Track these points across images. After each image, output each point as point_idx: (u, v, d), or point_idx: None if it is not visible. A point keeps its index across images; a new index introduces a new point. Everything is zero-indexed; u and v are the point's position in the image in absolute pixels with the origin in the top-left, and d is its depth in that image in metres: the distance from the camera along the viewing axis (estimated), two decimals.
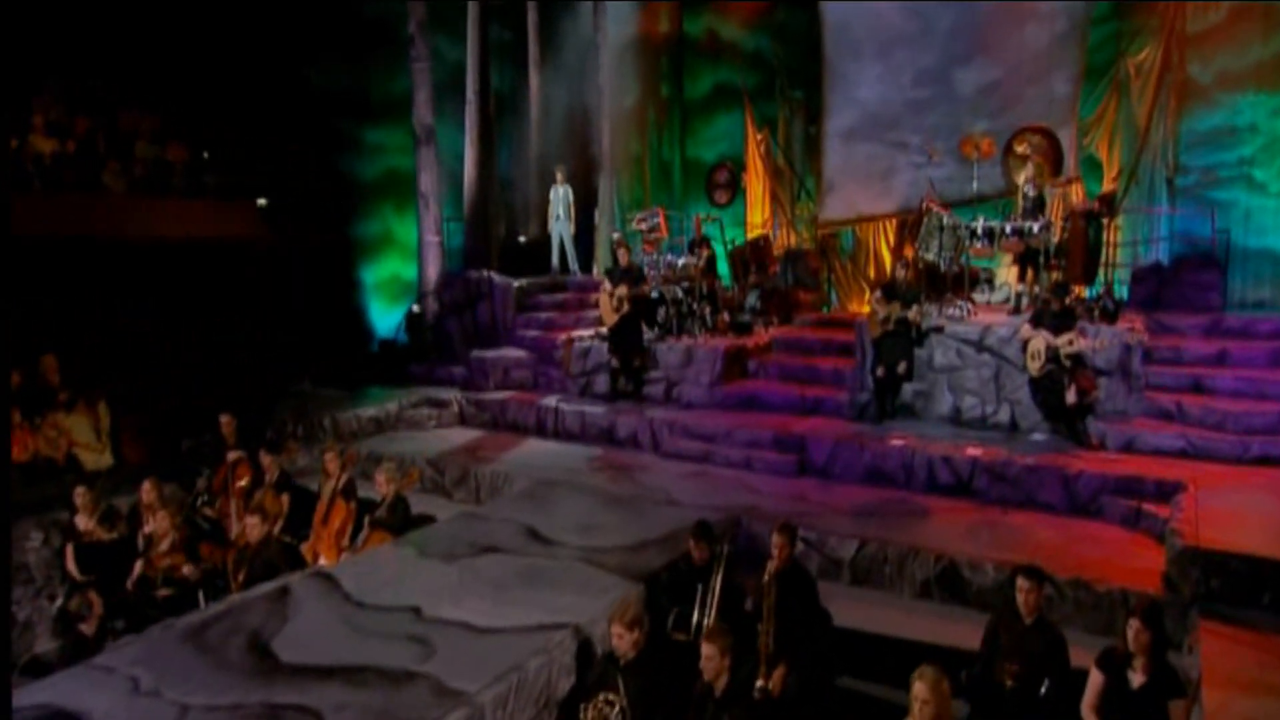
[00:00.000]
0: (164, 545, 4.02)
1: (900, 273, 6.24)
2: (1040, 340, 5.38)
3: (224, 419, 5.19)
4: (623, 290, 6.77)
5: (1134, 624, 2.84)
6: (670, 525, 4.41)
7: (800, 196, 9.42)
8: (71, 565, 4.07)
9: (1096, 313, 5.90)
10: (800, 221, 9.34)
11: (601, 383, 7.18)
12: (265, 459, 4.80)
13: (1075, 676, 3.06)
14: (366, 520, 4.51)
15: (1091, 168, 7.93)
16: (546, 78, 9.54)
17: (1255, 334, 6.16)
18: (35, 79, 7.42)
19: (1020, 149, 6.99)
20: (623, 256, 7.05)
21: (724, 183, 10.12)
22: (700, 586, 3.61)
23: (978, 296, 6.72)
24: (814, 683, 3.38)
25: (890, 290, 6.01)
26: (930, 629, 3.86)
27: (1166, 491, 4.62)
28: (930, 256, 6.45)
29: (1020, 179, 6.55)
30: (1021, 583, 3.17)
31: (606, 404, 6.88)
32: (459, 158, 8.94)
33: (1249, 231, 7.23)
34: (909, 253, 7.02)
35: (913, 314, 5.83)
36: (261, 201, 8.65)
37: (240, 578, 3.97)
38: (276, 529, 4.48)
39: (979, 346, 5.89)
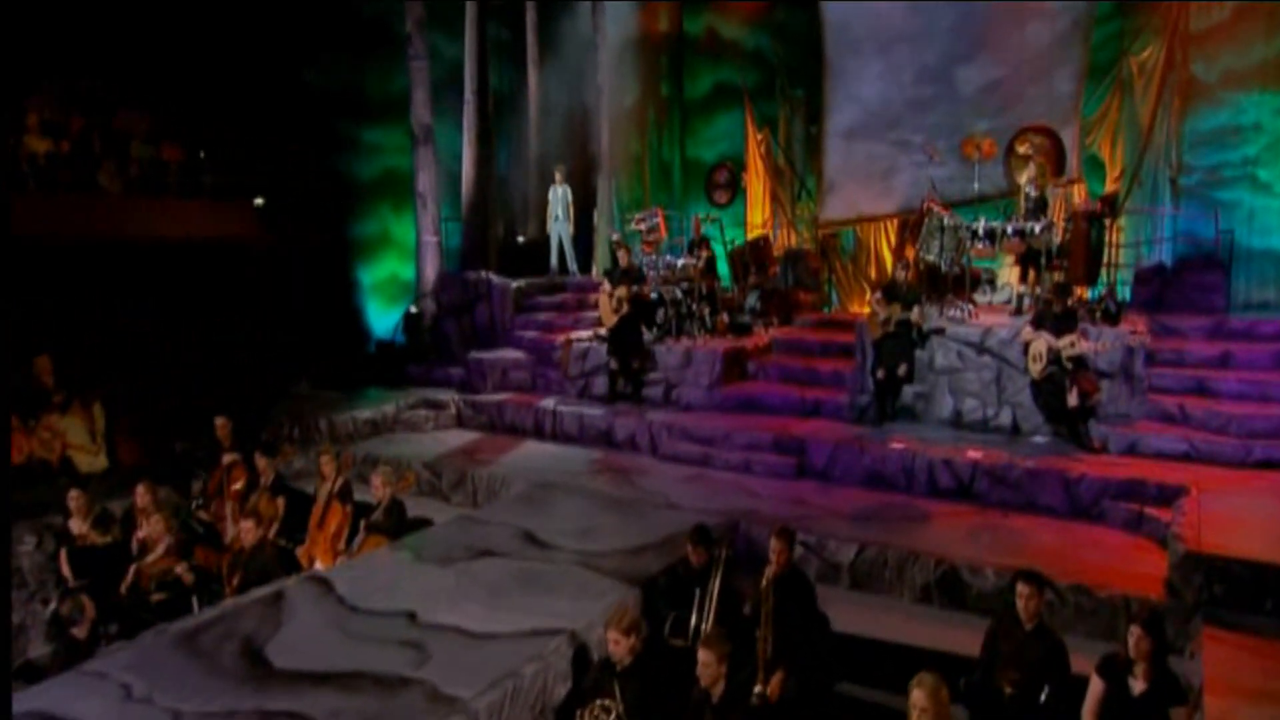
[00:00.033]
0: (158, 550, 4.00)
1: (901, 274, 6.20)
2: (1042, 342, 5.34)
3: (219, 421, 5.16)
4: (622, 291, 6.74)
5: (1135, 631, 2.82)
6: (668, 529, 4.39)
7: (801, 196, 9.38)
8: (65, 569, 4.05)
9: (1098, 314, 5.87)
10: (801, 222, 9.30)
11: (600, 384, 7.15)
12: (260, 462, 4.77)
13: (1076, 683, 3.04)
14: (362, 524, 4.49)
15: (1094, 167, 7.88)
16: (545, 77, 9.50)
17: (1259, 336, 6.13)
18: (29, 78, 7.39)
19: (1022, 149, 6.96)
20: (622, 257, 7.02)
21: (724, 183, 10.08)
22: (698, 591, 3.58)
23: (979, 298, 6.69)
24: (812, 688, 3.35)
25: (891, 291, 5.97)
26: (930, 634, 3.83)
27: (1169, 495, 4.59)
28: (931, 257, 6.41)
29: (1022, 179, 6.51)
30: (1021, 588, 3.15)
31: (605, 406, 6.85)
32: (457, 157, 8.91)
33: (1253, 232, 7.19)
34: (910, 254, 6.98)
35: (914, 315, 5.79)
36: (258, 201, 8.62)
37: (235, 582, 3.94)
38: (271, 533, 4.45)
39: (980, 348, 5.86)
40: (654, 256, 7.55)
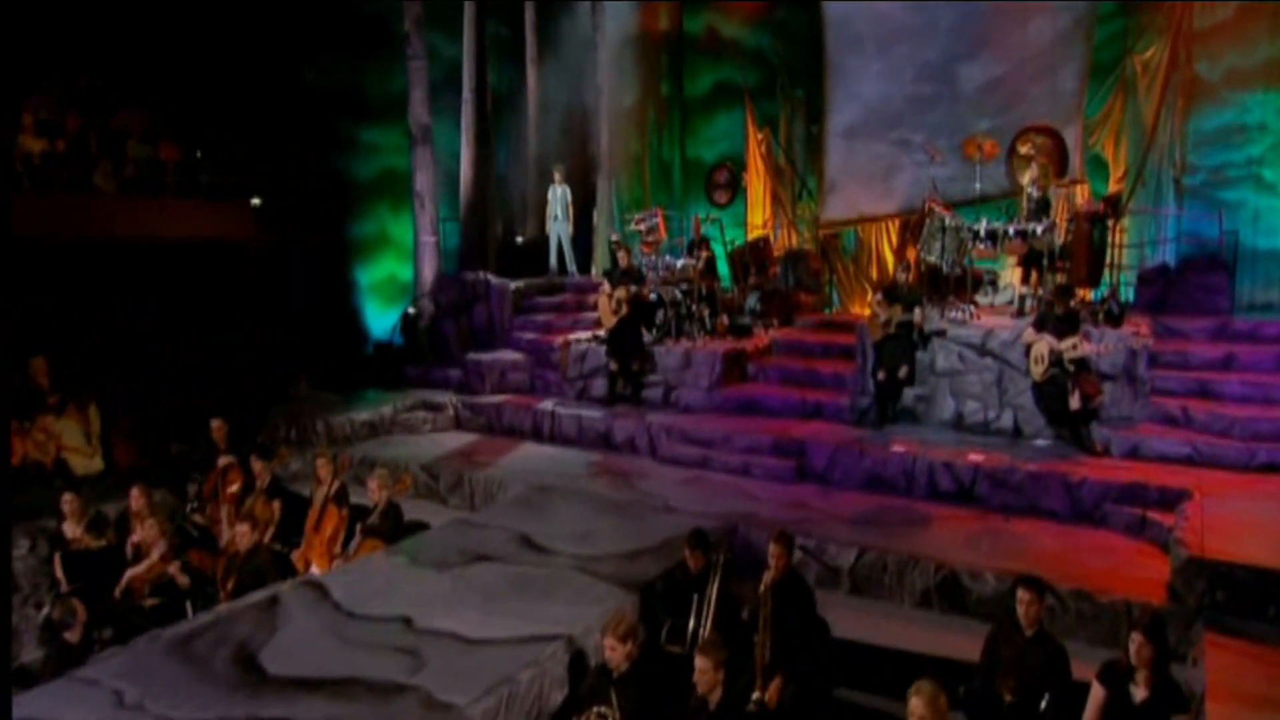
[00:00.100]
0: (153, 555, 3.97)
1: (902, 275, 6.16)
2: (1044, 344, 5.30)
3: (215, 423, 5.13)
4: (621, 292, 6.70)
5: (1136, 638, 2.80)
6: (666, 533, 4.36)
7: (801, 196, 9.33)
8: (59, 573, 4.03)
9: (1101, 316, 5.82)
10: (801, 222, 9.25)
11: (599, 386, 7.12)
12: (256, 464, 4.74)
13: (1077, 690, 3.01)
14: (358, 527, 4.47)
15: (1097, 167, 7.83)
16: (544, 76, 9.45)
17: (1263, 338, 6.08)
18: (26, 78, 7.35)
19: (1024, 149, 6.91)
20: (622, 258, 6.98)
21: (724, 183, 10.04)
22: (696, 596, 3.56)
23: (981, 299, 6.64)
24: (811, 695, 3.32)
25: (891, 293, 5.93)
26: (930, 640, 3.81)
27: (1171, 499, 4.55)
28: (932, 258, 6.37)
29: (1024, 180, 6.46)
30: (1022, 594, 3.12)
31: (604, 408, 6.82)
32: (455, 157, 8.87)
33: (1258, 232, 7.14)
34: (911, 255, 6.94)
35: (915, 317, 5.75)
36: (256, 201, 8.59)
37: (229, 586, 3.92)
38: (267, 536, 4.43)
39: (981, 350, 5.82)
40: (653, 257, 7.51)
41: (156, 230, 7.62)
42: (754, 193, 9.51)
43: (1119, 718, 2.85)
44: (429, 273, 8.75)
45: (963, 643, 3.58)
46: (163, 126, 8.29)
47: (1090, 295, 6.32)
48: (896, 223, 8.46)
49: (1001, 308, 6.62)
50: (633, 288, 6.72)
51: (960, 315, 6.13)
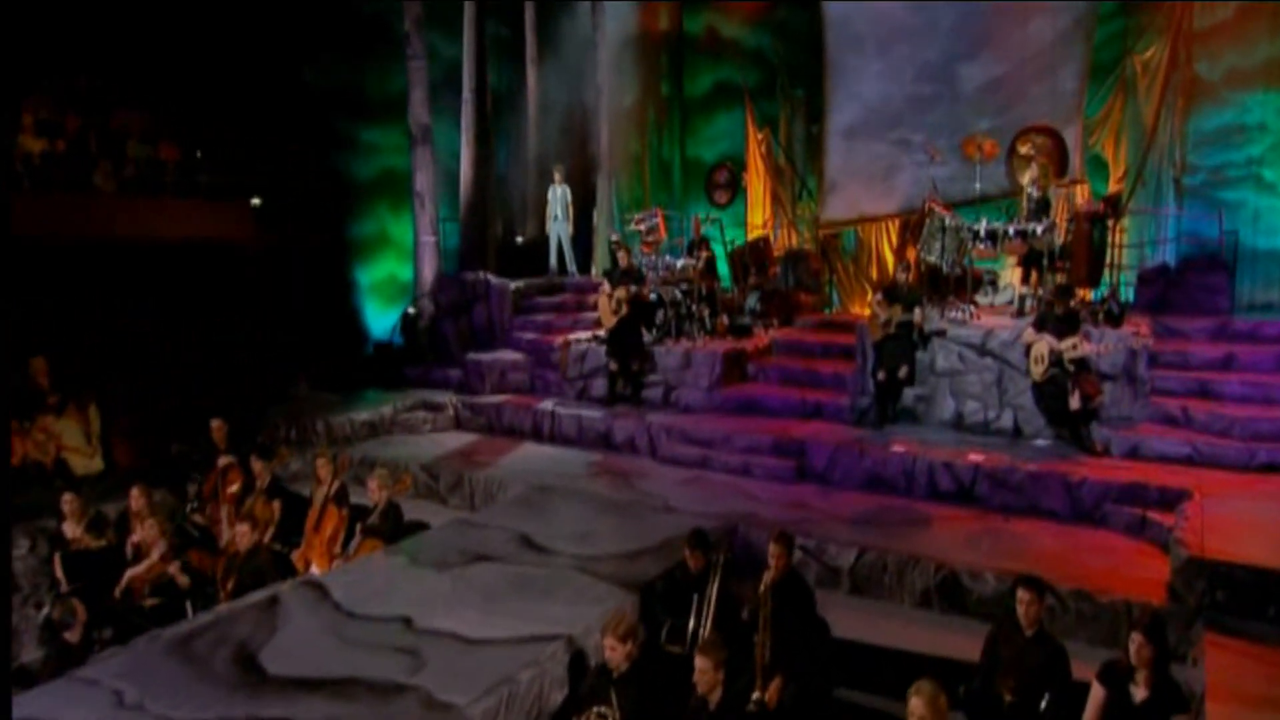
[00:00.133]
0: (153, 555, 3.97)
1: (902, 275, 6.16)
2: (1044, 344, 5.30)
3: (215, 424, 5.13)
4: (621, 292, 6.70)
5: (1136, 638, 2.80)
6: (666, 533, 4.36)
7: (802, 196, 9.32)
8: (59, 573, 4.03)
9: (1101, 316, 5.82)
10: (802, 222, 9.24)
11: (599, 386, 7.12)
12: (256, 464, 4.74)
13: (1076, 690, 3.01)
14: (358, 527, 4.47)
15: (1097, 167, 7.83)
16: (544, 75, 9.45)
17: (1263, 338, 6.07)
18: (26, 78, 7.35)
19: (1024, 150, 6.90)
20: (622, 258, 6.98)
21: (724, 183, 10.03)
22: (696, 596, 3.56)
23: (981, 299, 6.64)
24: (811, 695, 3.32)
25: (891, 293, 5.93)
26: (930, 640, 3.80)
27: (1171, 499, 4.55)
28: (932, 258, 6.37)
29: (1025, 180, 6.46)
30: (1022, 594, 3.12)
31: (604, 408, 6.81)
32: (455, 157, 8.87)
33: (1258, 232, 7.14)
34: (911, 255, 6.93)
35: (915, 317, 5.75)
36: (255, 201, 8.58)
37: (229, 586, 3.92)
38: (267, 536, 4.43)
39: (981, 350, 5.82)
40: (653, 257, 7.51)
41: (156, 230, 7.61)
42: (754, 193, 9.50)
43: (1119, 718, 2.85)
44: (429, 273, 8.74)
45: (963, 643, 3.57)
46: (163, 126, 8.29)
47: (1090, 295, 6.31)
48: (896, 223, 8.45)
49: (1001, 308, 6.61)
50: (633, 288, 6.71)
51: (960, 315, 6.13)
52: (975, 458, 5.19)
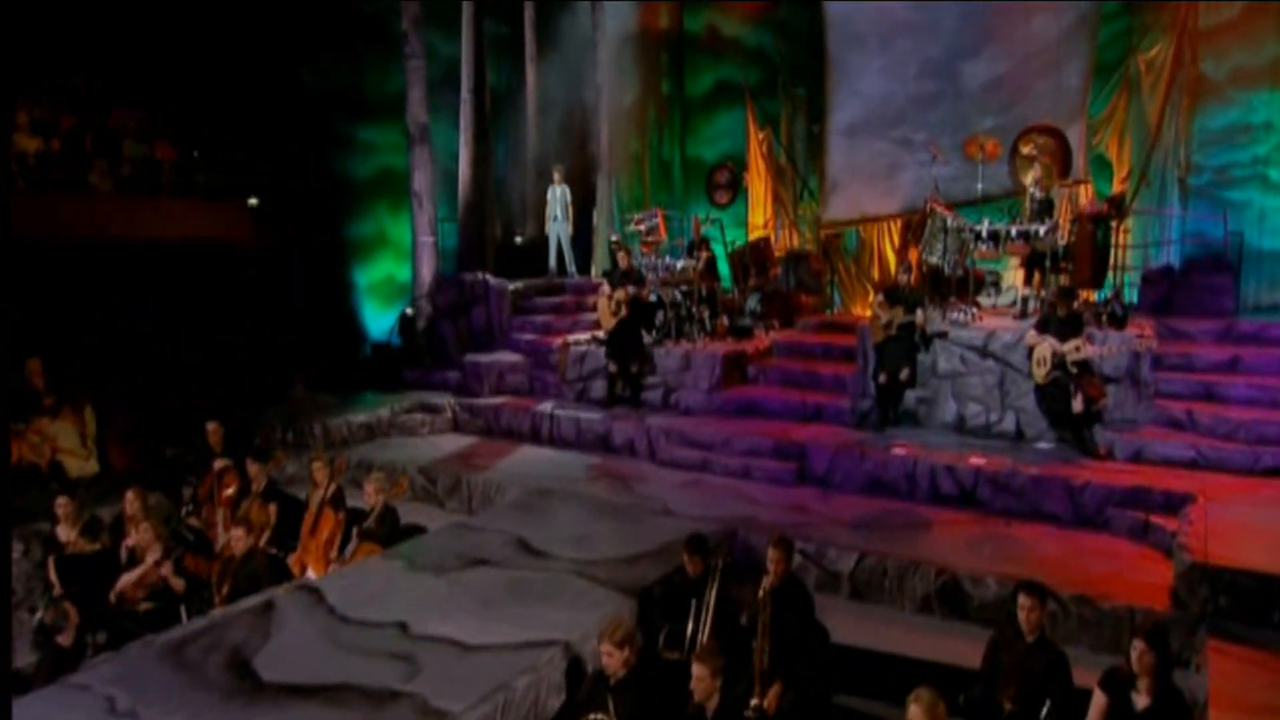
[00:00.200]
0: (147, 560, 3.95)
1: (903, 277, 6.12)
2: (1046, 346, 5.25)
3: (210, 426, 5.10)
4: (621, 294, 6.67)
5: (1138, 645, 2.77)
6: (665, 537, 4.33)
7: (803, 196, 9.27)
8: (53, 577, 4.01)
9: (1104, 318, 5.77)
10: (803, 222, 9.19)
11: (598, 388, 7.09)
12: (252, 467, 4.71)
13: (1078, 697, 2.98)
14: (355, 531, 4.44)
15: (1101, 167, 7.77)
16: (544, 74, 9.41)
17: (1269, 340, 6.02)
18: (20, 76, 7.31)
19: (1026, 150, 6.84)
20: (622, 259, 6.94)
21: (725, 183, 9.98)
22: (694, 601, 3.52)
23: (983, 300, 6.60)
24: (810, 701, 3.29)
25: (893, 294, 5.89)
26: (931, 646, 3.78)
27: (1175, 503, 4.51)
28: (934, 259, 6.32)
29: (1028, 180, 6.41)
30: (1023, 600, 3.09)
31: (603, 410, 6.78)
32: (454, 156, 8.83)
33: (1263, 233, 7.08)
34: (913, 256, 6.89)
35: (917, 318, 5.70)
36: (253, 201, 8.55)
37: (224, 591, 3.89)
38: (263, 540, 4.40)
39: (983, 352, 5.78)
40: (653, 258, 7.47)
41: (153, 230, 7.58)
42: (755, 193, 9.45)
43: None
44: (427, 273, 8.71)
45: (963, 649, 3.54)
46: (159, 126, 8.24)
47: (1093, 297, 6.27)
48: (899, 223, 8.40)
49: (1004, 309, 6.57)
50: (632, 289, 6.67)
51: (962, 317, 6.09)
52: (977, 461, 5.15)
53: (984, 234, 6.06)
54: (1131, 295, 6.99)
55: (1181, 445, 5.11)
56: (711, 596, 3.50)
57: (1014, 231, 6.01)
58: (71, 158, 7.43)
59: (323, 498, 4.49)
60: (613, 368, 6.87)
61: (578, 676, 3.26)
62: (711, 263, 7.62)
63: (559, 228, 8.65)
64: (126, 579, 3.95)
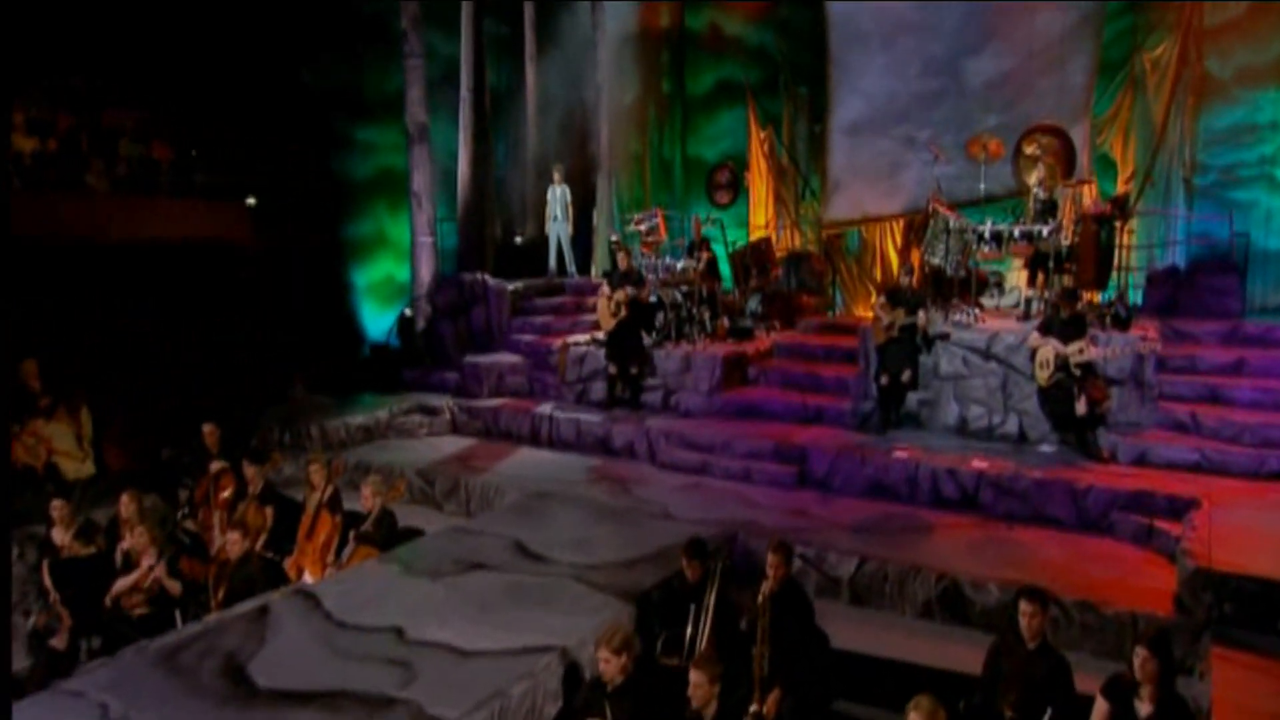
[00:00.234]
0: (143, 562, 3.92)
1: (905, 278, 6.08)
2: (1049, 348, 5.21)
3: (207, 428, 5.07)
4: (620, 295, 6.63)
5: (1141, 652, 2.74)
6: (664, 540, 4.30)
7: (805, 196, 9.23)
8: (47, 581, 3.98)
9: (1108, 319, 5.73)
10: (805, 222, 9.14)
11: (598, 390, 7.06)
12: (249, 470, 4.68)
13: (1080, 704, 2.95)
14: (351, 534, 4.41)
15: (1106, 167, 7.72)
16: (544, 74, 9.37)
17: (1275, 342, 5.98)
18: (16, 75, 7.28)
19: (1030, 150, 6.78)
20: (622, 260, 6.91)
21: (726, 183, 9.93)
22: (693, 606, 3.49)
23: (986, 301, 6.56)
24: (809, 707, 3.27)
25: (894, 296, 5.85)
26: (931, 651, 3.75)
27: (1179, 508, 4.48)
28: (936, 260, 6.28)
29: (1031, 180, 6.36)
30: (1024, 606, 3.06)
31: (603, 412, 6.75)
32: (453, 156, 8.79)
33: (1270, 233, 7.03)
34: (914, 258, 6.84)
35: (919, 320, 5.66)
36: (251, 201, 8.52)
37: (220, 595, 3.87)
38: (259, 544, 4.38)
39: (986, 354, 5.74)
40: (654, 258, 7.43)
41: (150, 230, 7.55)
42: (756, 192, 9.41)
43: None
44: (426, 274, 8.68)
45: (965, 655, 3.52)
46: (156, 125, 8.22)
47: (1097, 298, 6.22)
48: (901, 223, 8.35)
49: (1007, 311, 6.53)
50: (631, 290, 6.64)
51: (965, 318, 6.05)
52: (979, 464, 5.12)
53: (987, 235, 6.02)
54: (1136, 297, 6.94)
55: (1186, 448, 5.07)
56: (710, 601, 3.47)
57: (1017, 232, 5.97)
58: (68, 157, 7.40)
59: (320, 500, 4.47)
60: (612, 369, 6.84)
61: (575, 683, 3.23)
62: (712, 263, 7.58)
63: (559, 228, 8.61)
64: (122, 583, 3.93)
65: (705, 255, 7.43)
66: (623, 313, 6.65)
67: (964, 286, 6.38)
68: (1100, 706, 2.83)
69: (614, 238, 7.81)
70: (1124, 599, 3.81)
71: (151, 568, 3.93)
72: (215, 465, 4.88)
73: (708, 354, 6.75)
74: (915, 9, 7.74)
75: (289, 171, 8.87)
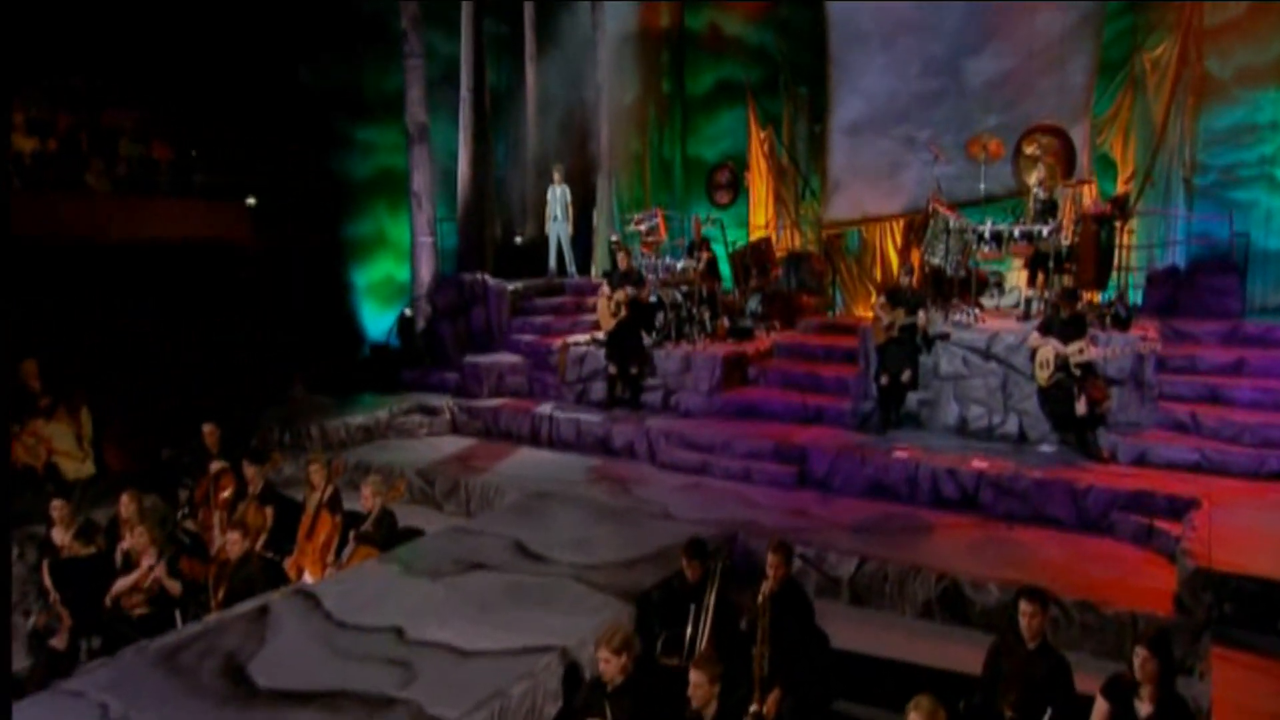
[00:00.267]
0: (143, 562, 3.93)
1: (904, 279, 6.08)
2: (1049, 348, 5.21)
3: (206, 428, 5.07)
4: (620, 295, 6.63)
5: (1141, 652, 2.74)
6: (664, 540, 4.30)
7: (805, 196, 9.23)
8: (47, 582, 3.98)
9: (1108, 319, 5.73)
10: (805, 222, 9.14)
11: (598, 390, 7.06)
12: (249, 470, 4.68)
13: (1080, 704, 2.95)
14: (351, 534, 4.41)
15: (1106, 167, 7.72)
16: (544, 73, 9.37)
17: (1275, 342, 5.98)
18: (16, 75, 7.27)
19: (1030, 150, 6.79)
20: (622, 260, 6.91)
21: (725, 183, 9.94)
22: (693, 606, 3.49)
23: (986, 301, 6.56)
24: (809, 707, 3.26)
25: (894, 296, 5.86)
26: (931, 651, 3.75)
27: (1179, 508, 4.48)
28: (936, 260, 6.28)
29: (1031, 180, 6.36)
30: (1024, 606, 3.06)
31: (603, 412, 6.75)
32: (453, 156, 8.80)
33: (1270, 233, 7.03)
34: (914, 258, 6.84)
35: (919, 320, 5.66)
36: (251, 201, 8.52)
37: (220, 594, 3.87)
38: (259, 544, 4.38)
39: (986, 354, 5.74)
40: (653, 258, 7.43)
41: (150, 230, 7.55)
42: (756, 192, 9.41)
43: None
44: (426, 274, 8.68)
45: (965, 655, 3.52)
46: (156, 125, 8.22)
47: (1097, 298, 6.22)
48: (901, 223, 8.35)
49: (1007, 311, 6.53)
50: (631, 290, 6.64)
51: (965, 318, 6.05)
52: (979, 464, 5.12)
53: (987, 235, 6.02)
54: (1136, 297, 6.94)
55: (1186, 448, 5.07)
56: (710, 601, 3.47)
57: (1017, 232, 5.97)
58: (67, 157, 7.40)
59: (320, 500, 4.47)
60: (612, 369, 6.84)
61: (575, 683, 3.23)
62: (712, 263, 7.58)
63: (559, 228, 8.61)
64: (122, 583, 3.93)
65: (705, 255, 7.43)
66: (623, 313, 6.65)
67: (964, 286, 6.39)
68: (1100, 706, 2.83)
69: (614, 238, 7.81)
70: (1124, 599, 3.82)
71: (151, 568, 3.93)
72: (215, 465, 4.88)
73: (708, 354, 6.75)
74: (915, 9, 7.74)
75: (289, 171, 8.87)
